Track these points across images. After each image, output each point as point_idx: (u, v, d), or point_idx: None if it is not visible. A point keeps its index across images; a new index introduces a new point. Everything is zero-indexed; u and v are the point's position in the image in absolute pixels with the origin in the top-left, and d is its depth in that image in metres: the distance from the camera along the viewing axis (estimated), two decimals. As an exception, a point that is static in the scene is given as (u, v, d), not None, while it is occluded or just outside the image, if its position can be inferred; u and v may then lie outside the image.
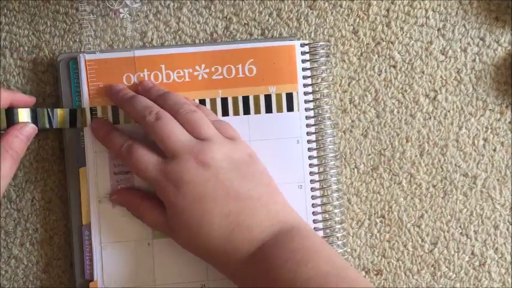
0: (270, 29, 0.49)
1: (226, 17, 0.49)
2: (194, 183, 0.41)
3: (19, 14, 0.48)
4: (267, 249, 0.40)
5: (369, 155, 0.49)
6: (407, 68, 0.49)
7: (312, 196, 0.47)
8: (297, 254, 0.39)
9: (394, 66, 0.49)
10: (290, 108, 0.47)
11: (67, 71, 0.47)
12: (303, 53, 0.47)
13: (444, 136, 0.49)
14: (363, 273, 0.49)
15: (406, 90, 0.49)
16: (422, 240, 0.49)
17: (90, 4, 0.49)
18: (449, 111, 0.49)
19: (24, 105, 0.45)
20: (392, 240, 0.49)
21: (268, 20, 0.49)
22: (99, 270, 0.46)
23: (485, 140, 0.49)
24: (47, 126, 0.46)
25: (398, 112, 0.49)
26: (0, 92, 0.44)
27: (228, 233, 0.41)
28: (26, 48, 0.48)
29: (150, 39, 0.49)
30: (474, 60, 0.49)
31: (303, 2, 0.49)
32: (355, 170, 0.49)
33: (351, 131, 0.49)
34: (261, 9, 0.49)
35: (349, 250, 0.49)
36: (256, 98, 0.47)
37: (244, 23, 0.49)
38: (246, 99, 0.47)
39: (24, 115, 0.45)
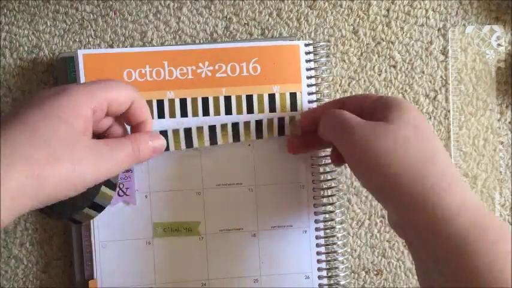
0: (270, 29, 0.49)
1: (226, 17, 0.49)
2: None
3: (19, 14, 0.48)
4: (479, 226, 0.34)
5: (369, 155, 0.49)
6: (407, 68, 0.49)
7: (314, 196, 0.47)
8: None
9: (394, 66, 0.49)
10: (293, 107, 0.47)
11: (65, 70, 0.47)
12: (306, 53, 0.47)
13: (444, 136, 0.49)
14: (363, 273, 0.49)
15: (406, 90, 0.49)
16: (422, 240, 0.49)
17: (90, 4, 0.49)
18: (449, 111, 0.49)
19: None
20: (392, 240, 0.49)
21: (268, 20, 0.49)
22: (98, 269, 0.46)
23: (485, 140, 0.49)
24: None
25: (398, 112, 0.49)
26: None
27: (445, 187, 0.35)
28: (26, 48, 0.48)
29: (150, 39, 0.49)
30: (474, 60, 0.49)
31: (303, 2, 0.49)
32: (355, 170, 0.49)
33: (351, 131, 0.49)
34: (261, 9, 0.49)
35: (349, 250, 0.49)
36: (260, 97, 0.47)
37: (244, 23, 0.49)
38: (249, 98, 0.47)
39: None
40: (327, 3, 0.49)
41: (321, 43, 0.47)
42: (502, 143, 0.49)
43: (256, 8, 0.49)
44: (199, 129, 0.46)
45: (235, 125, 0.46)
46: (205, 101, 0.47)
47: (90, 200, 0.41)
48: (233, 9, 0.49)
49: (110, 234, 0.46)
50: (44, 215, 0.45)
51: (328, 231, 0.47)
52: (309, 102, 0.47)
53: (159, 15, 0.49)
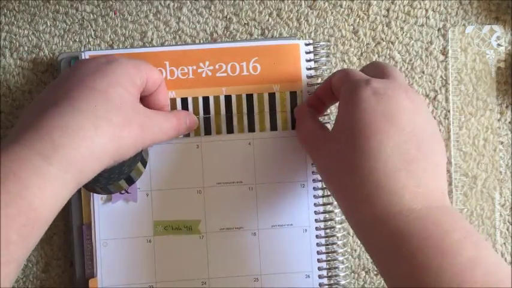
0: (270, 29, 0.49)
1: (226, 17, 0.49)
2: (394, 102, 0.37)
3: (19, 14, 0.48)
4: (433, 214, 0.35)
5: (369, 155, 0.49)
6: (407, 68, 0.49)
7: (314, 195, 0.47)
8: (471, 234, 0.34)
9: (394, 66, 0.49)
10: (293, 106, 0.47)
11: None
12: (307, 52, 0.47)
13: (444, 136, 0.49)
14: (363, 273, 0.49)
15: (406, 90, 0.49)
16: (422, 240, 0.49)
17: (90, 4, 0.49)
18: (449, 111, 0.49)
19: None
20: (392, 240, 0.49)
21: (268, 20, 0.49)
22: (99, 267, 0.46)
23: (485, 140, 0.49)
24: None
25: (398, 112, 0.49)
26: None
27: (394, 169, 0.35)
28: (26, 48, 0.48)
29: (150, 39, 0.49)
30: (474, 60, 0.49)
31: (303, 2, 0.49)
32: (355, 170, 0.49)
33: (351, 131, 0.49)
34: (261, 9, 0.49)
35: (349, 250, 0.49)
36: (260, 96, 0.47)
37: (244, 23, 0.49)
38: (249, 97, 0.47)
39: None
40: (327, 3, 0.49)
41: (321, 43, 0.48)
42: (502, 143, 0.49)
43: (256, 8, 0.49)
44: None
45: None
46: (206, 100, 0.47)
47: (127, 174, 0.42)
48: (233, 9, 0.49)
49: (111, 233, 0.46)
50: None
51: (328, 230, 0.47)
52: (309, 101, 0.47)
53: (159, 15, 0.49)
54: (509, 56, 0.49)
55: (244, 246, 0.47)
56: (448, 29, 0.49)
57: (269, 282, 0.47)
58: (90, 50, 0.48)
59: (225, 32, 0.49)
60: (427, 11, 0.49)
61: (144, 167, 0.45)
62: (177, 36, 0.49)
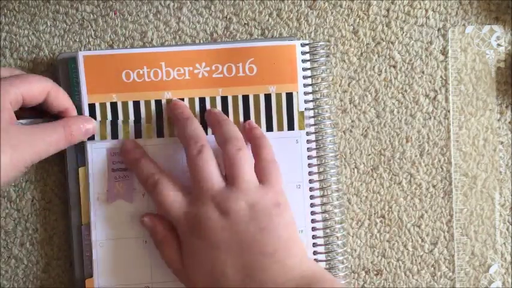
0: (270, 29, 0.49)
1: (226, 17, 0.49)
2: (211, 229, 0.41)
3: (19, 14, 0.48)
4: None
5: (369, 155, 0.49)
6: (407, 68, 0.49)
7: (310, 196, 0.47)
8: None
9: (394, 66, 0.49)
10: (290, 108, 0.47)
11: (66, 70, 0.47)
12: (303, 53, 0.47)
13: (444, 136, 0.49)
14: (363, 273, 0.49)
15: (406, 90, 0.49)
16: (422, 240, 0.49)
17: (90, 4, 0.49)
18: (449, 111, 0.49)
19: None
20: (392, 240, 0.49)
21: (268, 20, 0.49)
22: (95, 268, 0.46)
23: (485, 140, 0.49)
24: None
25: (398, 112, 0.49)
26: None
27: (241, 285, 0.40)
28: (26, 48, 0.48)
29: (150, 39, 0.49)
30: (474, 60, 0.49)
31: (303, 2, 0.49)
32: (355, 170, 0.49)
33: (351, 131, 0.49)
34: (261, 9, 0.49)
35: (349, 250, 0.49)
36: (256, 97, 0.47)
37: (244, 23, 0.49)
38: (245, 98, 0.47)
39: None
40: (327, 3, 0.49)
41: (320, 43, 0.47)
42: (502, 143, 0.49)
43: (256, 8, 0.49)
44: None
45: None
46: (202, 101, 0.47)
47: None
48: (233, 9, 0.49)
49: (107, 233, 0.46)
50: None
51: (327, 230, 0.47)
52: (306, 102, 0.47)
53: (159, 15, 0.49)
54: (509, 56, 0.49)
55: None
56: (448, 29, 0.49)
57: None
58: (90, 50, 0.48)
59: (225, 32, 0.49)
60: (427, 11, 0.49)
61: None
62: (177, 36, 0.49)
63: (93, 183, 0.46)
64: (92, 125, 0.46)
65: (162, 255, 0.44)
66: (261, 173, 0.43)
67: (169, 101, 0.47)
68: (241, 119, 0.47)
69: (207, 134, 0.46)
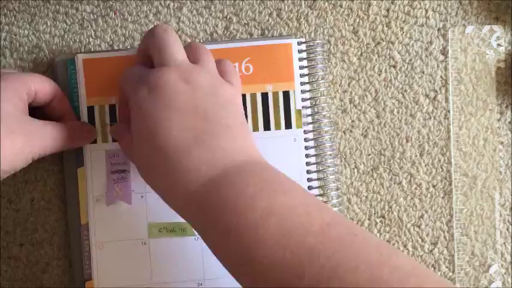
0: (270, 29, 0.49)
1: (226, 17, 0.49)
2: (167, 89, 0.39)
3: (19, 14, 0.48)
4: (230, 176, 0.36)
5: (369, 155, 0.49)
6: (407, 68, 0.49)
7: (309, 194, 0.47)
8: (269, 183, 0.36)
9: (394, 66, 0.49)
10: (287, 106, 0.47)
11: (65, 72, 0.47)
12: (299, 51, 0.47)
13: (444, 136, 0.49)
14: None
15: (406, 90, 0.49)
16: (422, 240, 0.49)
17: (90, 4, 0.49)
18: (449, 111, 0.49)
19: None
20: (392, 240, 0.49)
21: (268, 20, 0.49)
22: (95, 269, 0.46)
23: (485, 140, 0.49)
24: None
25: (398, 112, 0.49)
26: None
27: (185, 148, 0.37)
28: (26, 48, 0.48)
29: (150, 39, 0.49)
30: (474, 60, 0.49)
31: (303, 2, 0.49)
32: (355, 170, 0.49)
33: (351, 131, 0.49)
34: (261, 9, 0.49)
35: (349, 250, 0.49)
36: (253, 96, 0.47)
37: (244, 23, 0.49)
38: (242, 98, 0.47)
39: None
40: (327, 3, 0.49)
41: (317, 41, 0.47)
42: (502, 143, 0.49)
43: (256, 8, 0.49)
44: None
45: None
46: None
47: None
48: (233, 9, 0.49)
49: (106, 235, 0.46)
50: None
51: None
52: (303, 100, 0.47)
53: (159, 15, 0.49)
54: (509, 56, 0.49)
55: None
56: (448, 29, 0.49)
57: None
58: (91, 50, 0.48)
59: (225, 32, 0.49)
60: (427, 11, 0.49)
61: None
62: (177, 36, 0.49)
63: (91, 184, 0.46)
64: (93, 131, 0.47)
65: (121, 144, 0.45)
66: (222, 75, 0.43)
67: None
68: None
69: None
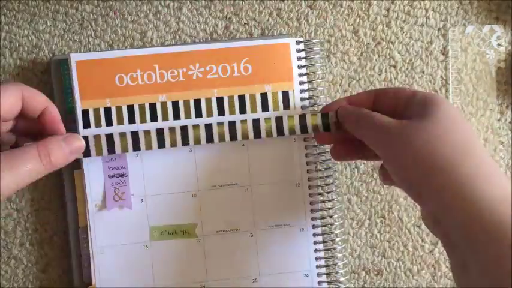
0: (270, 28, 0.49)
1: (226, 17, 0.49)
2: None
3: (19, 14, 0.48)
4: None
5: (369, 155, 0.49)
6: (407, 68, 0.49)
7: (309, 194, 0.47)
8: None
9: (394, 66, 0.49)
10: (286, 106, 0.47)
11: (59, 72, 0.47)
12: (298, 51, 0.47)
13: (444, 136, 0.49)
14: (363, 273, 0.49)
15: (406, 90, 0.49)
16: (422, 240, 0.49)
17: (90, 4, 0.49)
18: (449, 111, 0.49)
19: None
20: (392, 240, 0.49)
21: (268, 20, 0.49)
22: (97, 274, 0.46)
23: (485, 140, 0.49)
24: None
25: (398, 112, 0.49)
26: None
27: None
28: (26, 48, 0.48)
29: (150, 39, 0.49)
30: (474, 60, 0.49)
31: (303, 1, 0.49)
32: (355, 170, 0.49)
33: (351, 131, 0.49)
34: (261, 9, 0.49)
35: (349, 250, 0.49)
36: (252, 97, 0.47)
37: (244, 23, 0.49)
38: (241, 98, 0.47)
39: None
40: (327, 3, 0.49)
41: (314, 40, 0.47)
42: (502, 143, 0.49)
43: (256, 8, 0.49)
44: (195, 126, 0.45)
45: (232, 124, 0.46)
46: (197, 102, 0.46)
47: None
48: (233, 9, 0.49)
49: (107, 240, 0.46)
50: None
51: (325, 228, 0.47)
52: (302, 100, 0.47)
53: (159, 15, 0.49)
54: (509, 56, 0.49)
55: (241, 247, 0.47)
56: (448, 29, 0.49)
57: (268, 283, 0.47)
58: (90, 50, 0.48)
59: (225, 32, 0.49)
60: (427, 11, 0.49)
61: None
62: (177, 36, 0.49)
63: (89, 190, 0.46)
64: (78, 144, 0.41)
65: (373, 120, 0.40)
66: None
67: (164, 105, 0.46)
68: (238, 119, 0.46)
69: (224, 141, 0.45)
